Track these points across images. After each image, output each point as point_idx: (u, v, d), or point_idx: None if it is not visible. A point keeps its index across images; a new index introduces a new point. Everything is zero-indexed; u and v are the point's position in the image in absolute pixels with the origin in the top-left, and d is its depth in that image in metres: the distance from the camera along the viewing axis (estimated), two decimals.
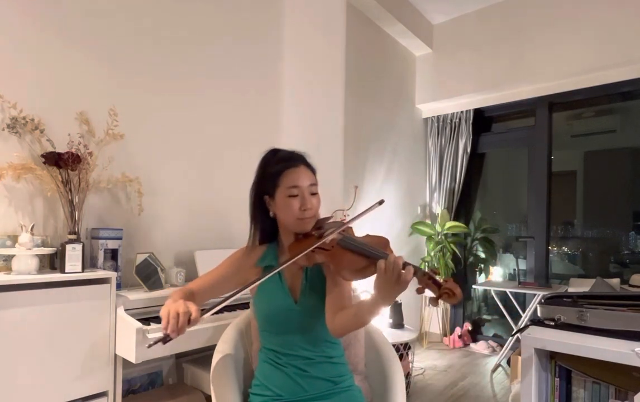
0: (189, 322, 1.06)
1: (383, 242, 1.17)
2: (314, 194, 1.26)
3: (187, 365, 2.09)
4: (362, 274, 1.11)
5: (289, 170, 1.24)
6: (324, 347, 1.29)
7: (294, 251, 1.20)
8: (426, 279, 1.03)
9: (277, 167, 1.26)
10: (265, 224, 1.32)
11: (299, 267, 1.26)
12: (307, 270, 1.29)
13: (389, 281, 0.99)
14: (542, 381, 1.36)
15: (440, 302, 1.02)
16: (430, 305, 0.98)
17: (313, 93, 2.94)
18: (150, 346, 1.08)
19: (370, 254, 1.11)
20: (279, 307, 1.26)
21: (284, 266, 1.15)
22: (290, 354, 1.26)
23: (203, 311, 1.08)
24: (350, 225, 1.22)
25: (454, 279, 1.04)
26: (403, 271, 0.98)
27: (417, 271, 1.02)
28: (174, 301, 1.11)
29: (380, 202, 1.21)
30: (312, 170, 1.30)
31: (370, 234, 1.24)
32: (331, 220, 1.32)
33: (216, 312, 1.12)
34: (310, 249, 1.14)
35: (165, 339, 1.04)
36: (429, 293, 1.04)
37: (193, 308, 1.07)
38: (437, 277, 1.04)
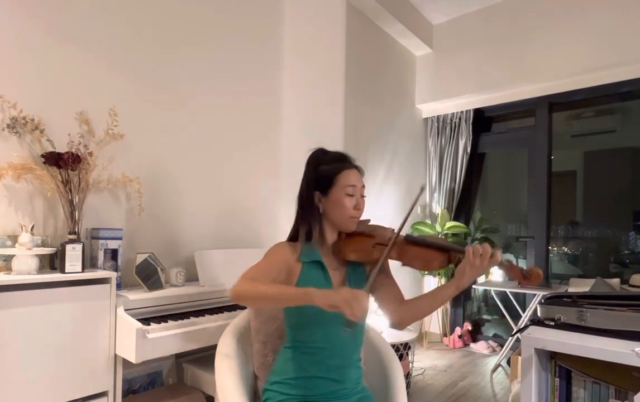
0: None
1: (443, 239, 1.24)
2: (363, 196, 1.32)
3: (187, 365, 2.09)
4: (439, 264, 1.21)
5: (347, 171, 1.29)
6: (357, 350, 1.32)
7: (348, 247, 1.28)
8: (510, 265, 1.15)
9: (333, 166, 1.29)
10: (312, 220, 1.30)
11: (342, 263, 1.31)
12: (350, 267, 1.32)
13: (475, 266, 1.11)
14: (542, 381, 1.36)
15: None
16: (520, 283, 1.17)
17: (313, 93, 2.94)
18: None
19: (444, 248, 1.21)
20: None
21: (378, 265, 1.20)
22: (326, 353, 1.24)
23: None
24: (402, 223, 1.29)
25: None
26: (491, 257, 1.11)
27: (501, 261, 1.15)
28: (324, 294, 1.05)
29: (422, 189, 1.44)
30: (362, 174, 1.35)
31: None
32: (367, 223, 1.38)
33: None
34: (390, 244, 1.22)
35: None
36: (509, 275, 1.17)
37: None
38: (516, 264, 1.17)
